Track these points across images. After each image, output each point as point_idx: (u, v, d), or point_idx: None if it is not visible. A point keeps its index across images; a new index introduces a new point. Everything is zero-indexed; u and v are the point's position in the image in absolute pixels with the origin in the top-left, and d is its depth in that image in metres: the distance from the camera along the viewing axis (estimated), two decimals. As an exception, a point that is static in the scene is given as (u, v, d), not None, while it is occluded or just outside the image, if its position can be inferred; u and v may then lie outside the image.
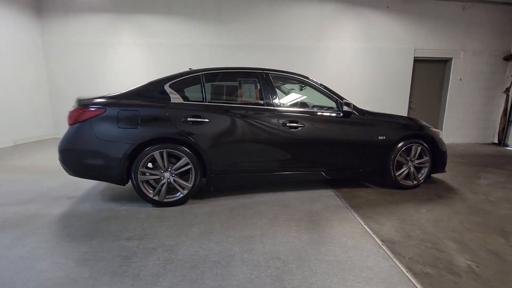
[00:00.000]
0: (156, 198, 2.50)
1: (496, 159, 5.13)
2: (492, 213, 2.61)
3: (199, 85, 2.70)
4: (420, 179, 3.22)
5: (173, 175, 2.51)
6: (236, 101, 2.91)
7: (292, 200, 2.79)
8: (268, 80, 2.84)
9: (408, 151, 3.14)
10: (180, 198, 2.56)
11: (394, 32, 6.46)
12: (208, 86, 2.77)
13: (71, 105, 2.51)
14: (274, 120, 2.70)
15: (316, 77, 4.86)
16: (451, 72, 6.68)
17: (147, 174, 2.46)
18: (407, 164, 3.16)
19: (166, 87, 2.59)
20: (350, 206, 2.67)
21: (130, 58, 6.27)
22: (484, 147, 6.52)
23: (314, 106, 3.23)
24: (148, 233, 2.08)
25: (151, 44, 6.21)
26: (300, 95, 3.23)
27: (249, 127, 2.65)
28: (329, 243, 1.98)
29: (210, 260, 1.74)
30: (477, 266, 1.75)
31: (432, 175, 3.39)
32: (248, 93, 2.91)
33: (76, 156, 2.41)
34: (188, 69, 3.38)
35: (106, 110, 2.38)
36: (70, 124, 2.40)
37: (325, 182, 3.37)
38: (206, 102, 2.66)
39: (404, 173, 3.15)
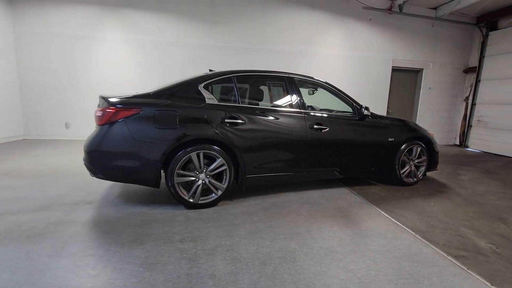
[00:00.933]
0: (191, 200, 2.46)
1: (463, 158, 5.88)
2: (485, 204, 3.03)
3: (232, 86, 2.72)
4: (419, 176, 3.60)
5: (208, 176, 2.49)
6: (267, 103, 2.98)
7: (316, 198, 2.94)
8: (294, 84, 2.96)
9: (410, 151, 3.49)
10: (214, 200, 2.56)
11: (376, 43, 7.03)
12: (240, 87, 2.79)
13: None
14: (303, 122, 2.83)
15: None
16: (422, 81, 7.46)
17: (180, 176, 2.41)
18: (409, 163, 3.52)
19: (200, 88, 2.57)
20: (370, 202, 2.90)
21: (115, 54, 5.93)
22: (449, 148, 7.39)
23: (321, 110, 3.42)
24: (197, 234, 2.06)
25: (139, 41, 5.94)
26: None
27: (281, 128, 2.74)
28: (372, 235, 2.16)
29: (275, 256, 1.80)
30: (496, 248, 2.07)
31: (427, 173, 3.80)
32: (277, 96, 3.00)
33: (108, 157, 2.27)
34: (209, 71, 3.38)
35: (142, 110, 2.29)
36: (102, 124, 2.26)
37: (334, 181, 3.57)
38: (239, 103, 2.69)
39: (406, 171, 3.50)
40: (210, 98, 2.56)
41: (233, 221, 2.31)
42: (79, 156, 4.08)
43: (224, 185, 2.55)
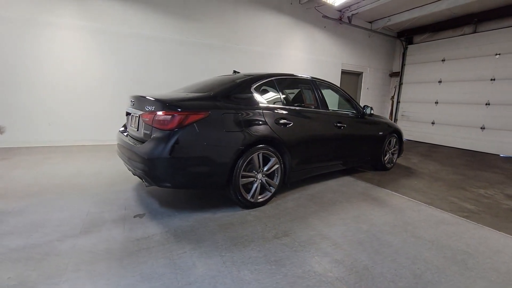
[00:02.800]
0: (252, 199, 2.54)
1: (400, 146, 7.40)
2: (444, 179, 4.08)
3: (274, 89, 2.87)
4: (394, 162, 4.50)
5: (263, 175, 2.61)
6: (303, 104, 3.22)
7: (337, 187, 3.38)
8: (318, 87, 3.31)
9: (389, 142, 4.32)
10: (269, 197, 2.69)
11: (329, 48, 8.00)
12: (280, 90, 2.95)
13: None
14: (330, 121, 3.22)
15: None
16: (362, 82, 8.90)
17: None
18: (389, 152, 4.35)
19: (252, 89, 2.64)
20: (377, 185, 3.53)
21: (76, 44, 5.01)
22: (382, 137, 9.10)
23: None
24: (283, 229, 2.20)
25: (104, 31, 5.18)
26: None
27: (316, 126, 3.07)
28: (405, 210, 2.74)
29: (363, 236, 2.14)
30: (478, 208, 2.93)
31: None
32: (308, 97, 3.28)
33: (179, 164, 2.14)
34: (233, 72, 3.41)
35: (210, 113, 2.24)
36: (170, 129, 2.11)
37: (333, 172, 4.11)
38: (282, 105, 2.86)
39: (387, 158, 4.33)
40: (261, 100, 2.67)
41: (297, 214, 2.52)
42: (46, 166, 3.51)
43: (276, 182, 2.72)
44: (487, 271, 1.78)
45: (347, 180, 3.74)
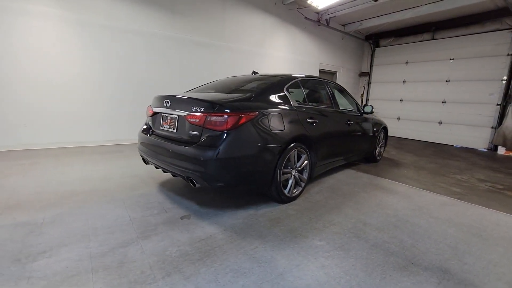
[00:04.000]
0: (288, 195, 2.70)
1: (373, 140, 8.17)
2: (425, 168, 4.71)
3: (300, 89, 3.03)
4: (382, 154, 5.03)
5: (296, 171, 2.79)
6: (323, 104, 3.43)
7: (346, 180, 3.71)
8: (330, 87, 3.57)
9: (379, 137, 4.82)
10: (299, 192, 2.88)
11: (309, 49, 8.41)
12: (304, 90, 3.13)
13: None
14: (343, 119, 3.52)
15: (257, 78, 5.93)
16: (336, 81, 9.53)
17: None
18: (378, 145, 4.85)
19: (285, 90, 2.77)
20: (379, 176, 3.95)
21: (55, 36, 4.53)
22: (354, 132, 9.90)
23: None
24: (327, 219, 2.41)
25: (85, 23, 4.76)
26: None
27: (334, 124, 3.33)
28: (412, 196, 3.15)
29: (393, 220, 2.46)
30: (463, 191, 3.50)
31: (382, 151, 5.31)
32: (325, 97, 3.51)
33: (233, 164, 2.19)
34: (253, 72, 3.50)
35: (257, 113, 2.33)
36: (225, 130, 2.15)
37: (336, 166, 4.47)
38: (308, 105, 3.05)
39: (377, 151, 4.83)
40: (292, 100, 2.82)
41: (330, 205, 2.76)
42: (39, 172, 3.36)
43: (305, 177, 2.91)
44: (498, 239, 2.22)
45: (349, 172, 4.10)
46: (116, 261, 1.68)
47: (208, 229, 2.15)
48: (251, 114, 2.28)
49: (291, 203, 2.76)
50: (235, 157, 2.19)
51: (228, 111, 2.19)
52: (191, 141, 2.31)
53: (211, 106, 2.22)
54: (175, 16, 5.73)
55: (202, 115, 2.22)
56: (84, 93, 4.90)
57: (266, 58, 7.44)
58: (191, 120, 2.28)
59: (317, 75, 8.78)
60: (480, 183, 3.88)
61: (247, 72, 7.13)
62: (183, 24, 5.83)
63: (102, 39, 4.95)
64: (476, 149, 7.19)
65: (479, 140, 7.24)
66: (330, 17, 8.11)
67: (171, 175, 2.85)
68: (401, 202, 2.95)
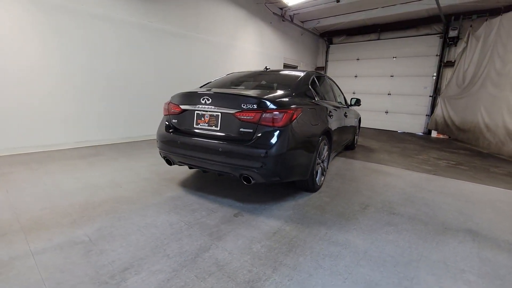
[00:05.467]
0: (318, 184, 2.91)
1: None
2: (393, 151, 5.52)
3: (316, 85, 3.23)
4: (357, 142, 5.68)
5: (322, 162, 3.02)
6: (330, 98, 3.67)
7: (344, 166, 4.13)
8: (330, 82, 3.87)
9: (358, 126, 5.43)
10: (323, 181, 3.12)
11: (275, 43, 8.66)
12: (320, 86, 3.33)
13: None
14: (343, 112, 3.87)
15: (229, 71, 6.24)
16: (297, 75, 10.08)
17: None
18: (356, 134, 5.47)
19: (309, 86, 2.93)
20: (366, 161, 4.50)
21: (2, 18, 3.67)
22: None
23: None
24: (358, 202, 2.72)
25: (43, 4, 3.99)
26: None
27: (340, 117, 3.66)
28: (402, 175, 3.73)
29: (410, 196, 2.92)
30: (433, 168, 4.28)
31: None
32: (331, 92, 3.77)
33: (288, 158, 2.27)
34: (265, 68, 3.56)
35: (302, 109, 2.44)
36: (282, 126, 2.21)
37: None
38: (324, 100, 3.27)
39: (355, 140, 5.44)
40: (315, 96, 3.00)
41: (349, 190, 3.08)
42: (20, 184, 3.24)
43: (326, 167, 3.17)
44: (482, 203, 2.87)
45: (340, 160, 4.54)
46: (213, 265, 1.64)
47: (271, 223, 2.21)
48: (298, 109, 2.39)
49: (318, 191, 2.98)
50: (289, 151, 2.27)
51: (284, 107, 2.26)
52: (241, 139, 2.30)
53: (266, 103, 2.25)
54: (147, 2, 5.23)
55: (256, 112, 2.23)
56: (44, 87, 4.14)
57: (239, 51, 7.41)
58: (243, 117, 2.26)
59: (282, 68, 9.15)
60: (439, 161, 4.79)
61: (222, 65, 7.01)
62: (155, 11, 5.37)
63: (64, 24, 4.22)
64: (415, 134, 8.65)
65: (417, 126, 8.72)
66: (294, 14, 8.49)
67: (201, 172, 2.75)
68: (399, 181, 3.48)
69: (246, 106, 2.27)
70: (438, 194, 3.05)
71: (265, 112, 2.22)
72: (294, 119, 2.32)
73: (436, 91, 8.30)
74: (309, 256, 1.77)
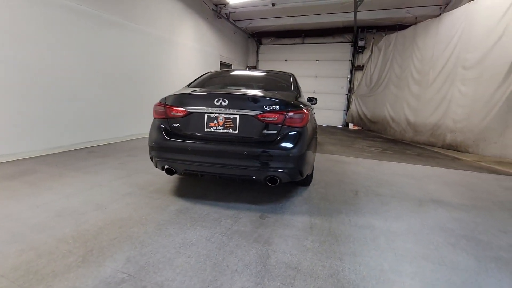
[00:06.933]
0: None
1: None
2: (335, 143, 6.38)
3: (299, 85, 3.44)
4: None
5: (310, 156, 3.28)
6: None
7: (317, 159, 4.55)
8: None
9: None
10: (310, 173, 3.40)
11: (211, 40, 8.47)
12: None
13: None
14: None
15: (168, 68, 6.31)
16: (232, 73, 10.17)
17: None
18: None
19: (299, 86, 3.12)
20: (329, 154, 5.07)
21: None
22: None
23: None
24: (351, 189, 3.11)
25: None
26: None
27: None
28: (364, 163, 4.43)
29: (388, 179, 3.51)
30: (378, 154, 5.22)
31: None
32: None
33: (307, 156, 2.39)
34: (247, 67, 3.56)
35: (309, 109, 2.61)
36: (303, 126, 2.31)
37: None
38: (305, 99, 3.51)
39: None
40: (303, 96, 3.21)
41: (334, 180, 3.47)
42: None
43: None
44: (424, 178, 3.74)
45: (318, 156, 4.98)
46: (287, 269, 1.62)
47: (299, 219, 2.29)
48: (309, 110, 2.54)
49: (311, 184, 3.24)
50: (307, 150, 2.41)
51: (301, 108, 2.36)
52: (263, 140, 2.28)
53: (289, 104, 2.30)
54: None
55: (280, 113, 2.25)
56: None
57: (178, 47, 6.94)
58: (267, 119, 2.25)
59: (218, 67, 9.07)
60: (371, 148, 5.86)
61: (164, 61, 6.41)
62: (86, -8, 4.45)
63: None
64: (336, 126, 10.17)
65: (337, 119, 10.27)
66: (229, 12, 8.50)
67: (187, 179, 2.56)
68: (359, 168, 4.12)
69: (269, 107, 2.26)
70: (394, 176, 3.79)
71: (288, 113, 2.28)
72: (309, 118, 2.47)
73: (350, 90, 9.98)
74: (355, 242, 1.97)
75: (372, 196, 2.91)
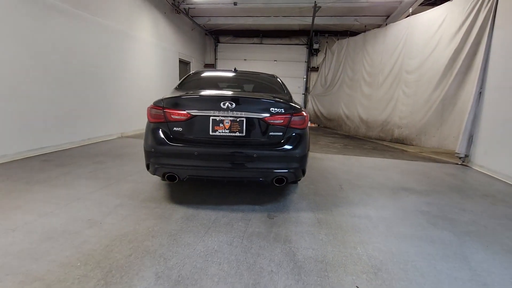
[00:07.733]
0: (300, 174, 3.34)
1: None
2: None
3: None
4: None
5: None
6: None
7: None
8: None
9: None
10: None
11: (169, 36, 8.02)
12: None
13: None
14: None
15: (127, 64, 6.19)
16: (190, 70, 9.83)
17: None
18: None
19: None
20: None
21: None
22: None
23: None
24: (339, 183, 3.37)
25: None
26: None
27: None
28: (340, 159, 4.80)
29: (359, 173, 3.88)
30: (343, 150, 5.70)
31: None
32: None
33: (307, 156, 2.51)
34: (234, 69, 3.56)
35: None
36: (305, 128, 2.44)
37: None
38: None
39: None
40: (289, 98, 3.35)
41: (320, 175, 3.71)
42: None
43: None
44: (388, 169, 4.26)
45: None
46: (327, 265, 1.73)
47: (304, 215, 2.42)
48: (307, 112, 2.68)
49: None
50: (308, 150, 2.54)
51: (302, 111, 2.48)
52: (270, 143, 2.33)
53: (293, 107, 2.38)
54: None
55: (285, 116, 2.32)
56: None
57: (138, 43, 6.43)
58: (273, 121, 2.30)
59: (177, 64, 8.68)
60: (335, 144, 6.38)
61: (116, 54, 5.85)
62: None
63: None
64: (295, 124, 10.69)
65: (296, 118, 10.79)
66: (189, 7, 8.18)
67: (178, 184, 2.51)
68: (333, 163, 4.47)
69: (276, 110, 2.32)
70: (364, 168, 4.23)
71: (293, 115, 2.37)
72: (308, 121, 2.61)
73: (307, 89, 10.60)
74: (360, 231, 2.18)
75: (355, 189, 3.22)
